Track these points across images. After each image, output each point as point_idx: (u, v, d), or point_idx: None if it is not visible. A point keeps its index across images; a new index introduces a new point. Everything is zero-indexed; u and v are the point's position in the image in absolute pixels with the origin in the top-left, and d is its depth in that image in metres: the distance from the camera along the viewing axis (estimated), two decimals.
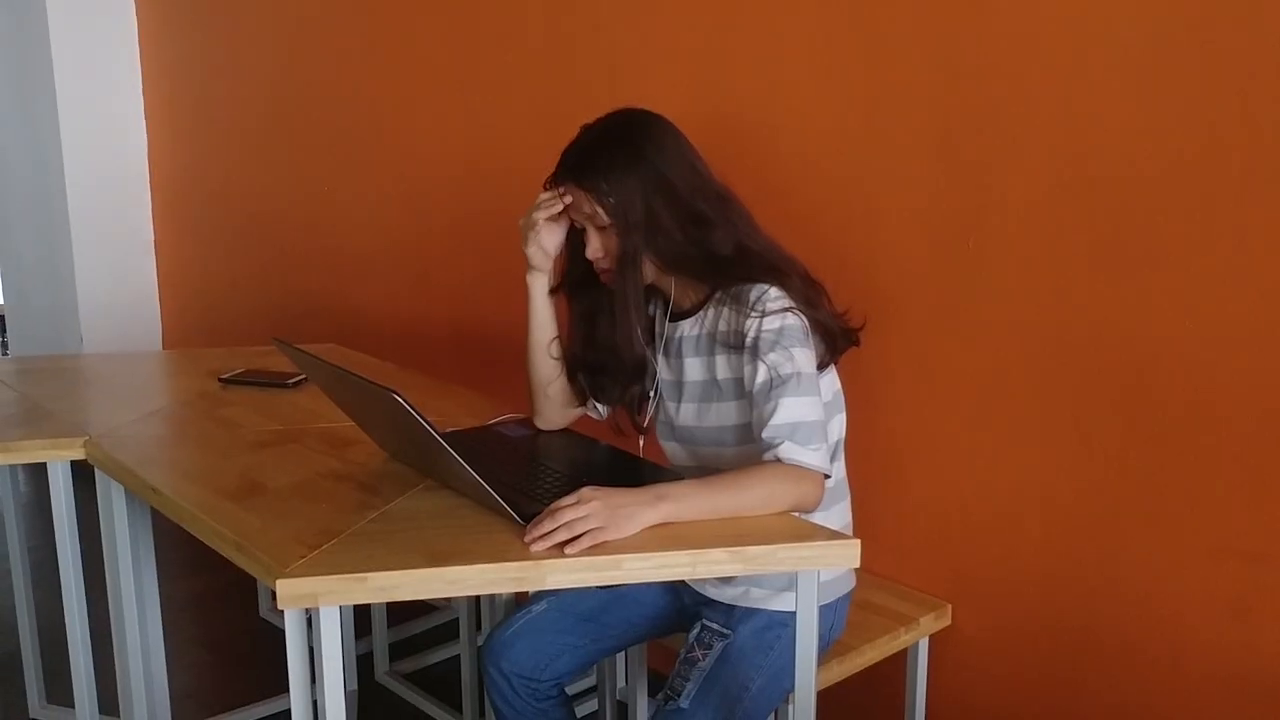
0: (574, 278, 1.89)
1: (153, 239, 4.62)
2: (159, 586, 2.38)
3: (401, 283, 3.40)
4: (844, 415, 1.87)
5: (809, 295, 1.76)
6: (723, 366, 1.78)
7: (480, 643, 2.62)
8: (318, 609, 1.44)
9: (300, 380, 2.42)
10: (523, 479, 1.76)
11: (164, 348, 4.64)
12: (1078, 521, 1.94)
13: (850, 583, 1.92)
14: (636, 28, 2.53)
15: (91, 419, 2.18)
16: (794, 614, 1.58)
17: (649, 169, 1.72)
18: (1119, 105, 1.80)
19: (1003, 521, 2.04)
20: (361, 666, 2.90)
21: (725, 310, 1.76)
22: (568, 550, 1.47)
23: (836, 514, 1.84)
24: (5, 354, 5.31)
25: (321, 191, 3.69)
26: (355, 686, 2.86)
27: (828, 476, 1.66)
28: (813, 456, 1.63)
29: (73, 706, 2.35)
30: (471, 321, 3.13)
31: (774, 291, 1.70)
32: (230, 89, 4.11)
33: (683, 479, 1.66)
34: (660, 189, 1.72)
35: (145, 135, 4.52)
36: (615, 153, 1.74)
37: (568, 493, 1.54)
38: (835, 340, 1.81)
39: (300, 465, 1.88)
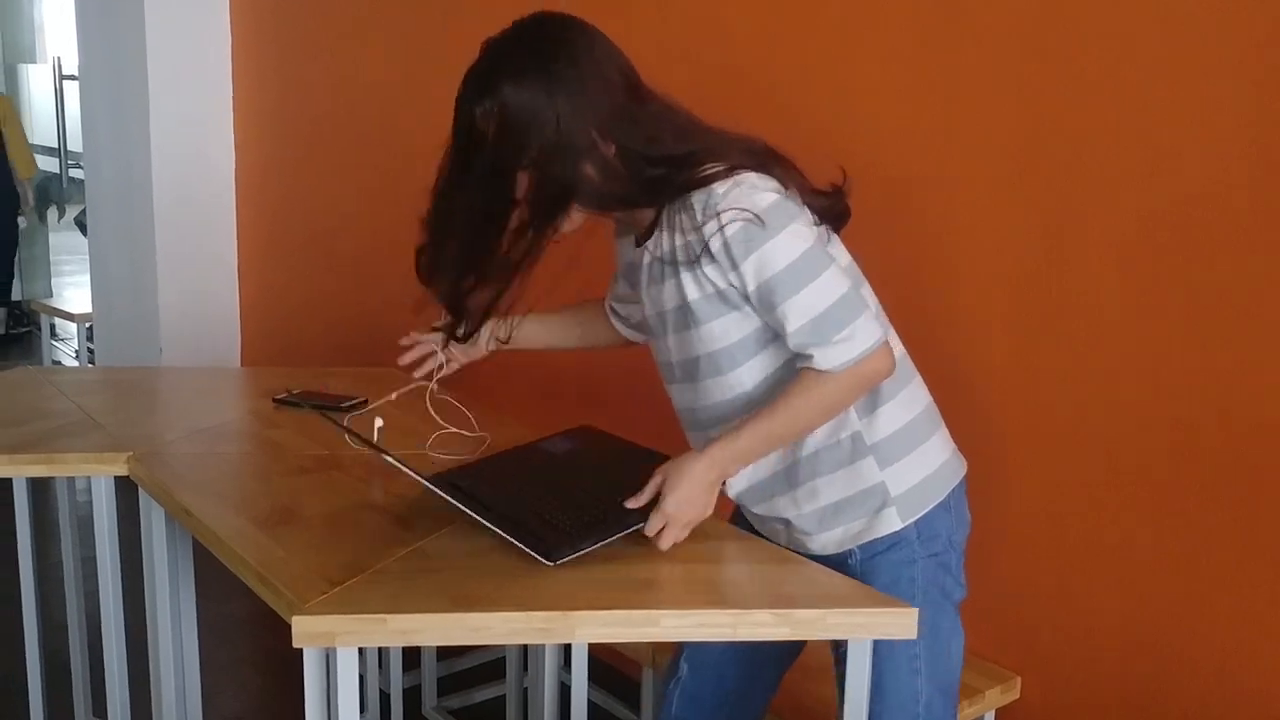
0: None
1: (236, 257, 4.65)
2: (213, 604, 2.34)
3: None
4: (868, 287, 1.65)
5: (769, 173, 1.51)
6: (691, 286, 1.54)
7: (525, 684, 2.55)
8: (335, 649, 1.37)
9: (355, 404, 2.37)
10: (554, 505, 1.60)
11: (243, 365, 4.66)
12: (1158, 590, 1.80)
13: (956, 471, 1.67)
14: (700, 27, 2.45)
15: (140, 434, 2.15)
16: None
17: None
18: (1215, 135, 1.66)
19: (1077, 588, 1.91)
20: (409, 700, 2.84)
21: (678, 224, 1.53)
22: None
23: (905, 401, 1.62)
24: (91, 361, 5.39)
25: (397, 214, 3.67)
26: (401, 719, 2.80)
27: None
28: (847, 349, 1.46)
29: None
30: None
31: (719, 189, 1.47)
32: (315, 111, 4.13)
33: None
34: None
35: (233, 154, 4.57)
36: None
37: (599, 520, 1.51)
38: (821, 220, 1.58)
39: (337, 494, 1.81)
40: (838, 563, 1.61)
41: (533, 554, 1.46)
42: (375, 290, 3.85)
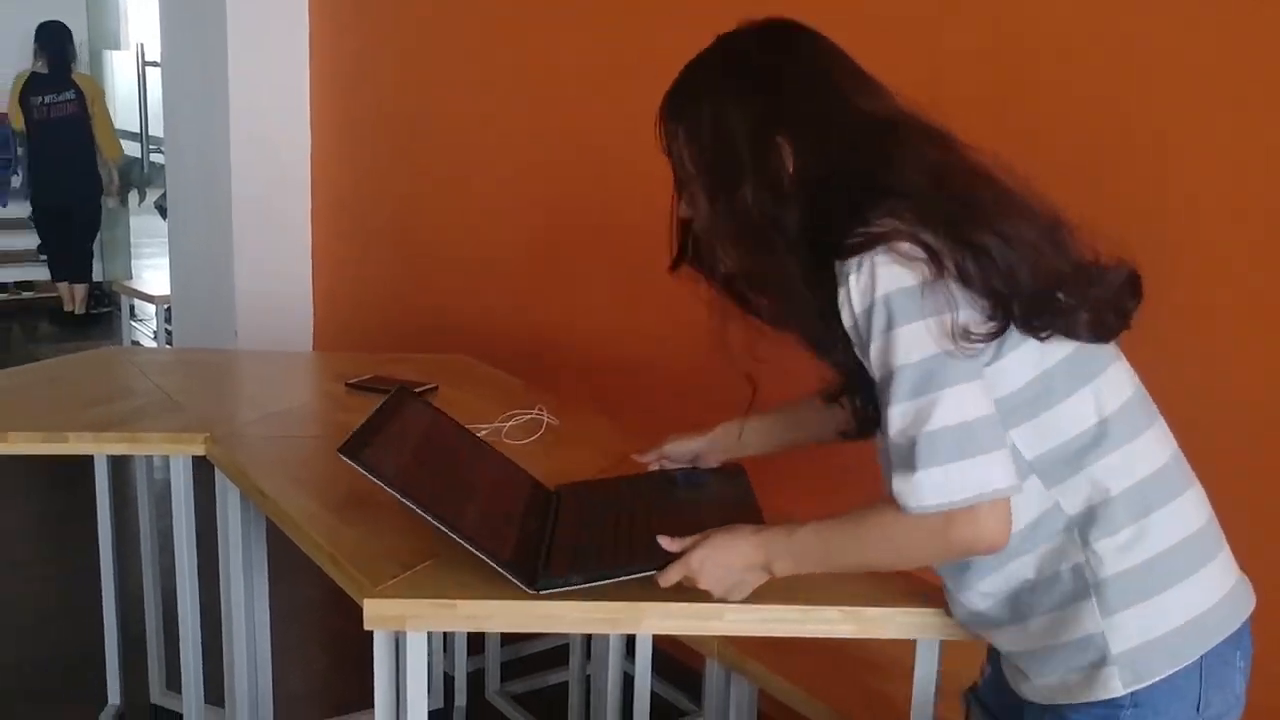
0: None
1: (310, 243, 4.72)
2: (281, 584, 2.39)
3: (541, 294, 3.38)
4: (1088, 394, 1.27)
5: (952, 240, 1.20)
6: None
7: (588, 671, 2.56)
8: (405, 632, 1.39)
9: (427, 390, 2.40)
10: (600, 532, 1.55)
11: (314, 349, 4.73)
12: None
13: (1214, 629, 1.28)
14: None
15: (217, 415, 2.20)
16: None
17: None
18: None
19: None
20: (472, 683, 2.87)
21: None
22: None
23: (1151, 529, 1.25)
24: (169, 342, 5.50)
25: (469, 204, 3.70)
26: (464, 702, 2.83)
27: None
28: (929, 492, 1.17)
29: None
30: (611, 339, 3.08)
31: (853, 263, 1.21)
32: (390, 101, 4.18)
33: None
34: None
35: (309, 142, 4.63)
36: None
37: (620, 555, 1.42)
38: (1022, 309, 1.21)
39: None
40: (1052, 716, 1.31)
41: (515, 581, 1.39)
42: (446, 279, 3.89)
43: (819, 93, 1.31)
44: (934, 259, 1.18)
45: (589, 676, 2.57)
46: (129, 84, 6.92)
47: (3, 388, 2.37)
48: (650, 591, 1.38)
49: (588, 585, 1.38)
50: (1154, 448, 1.29)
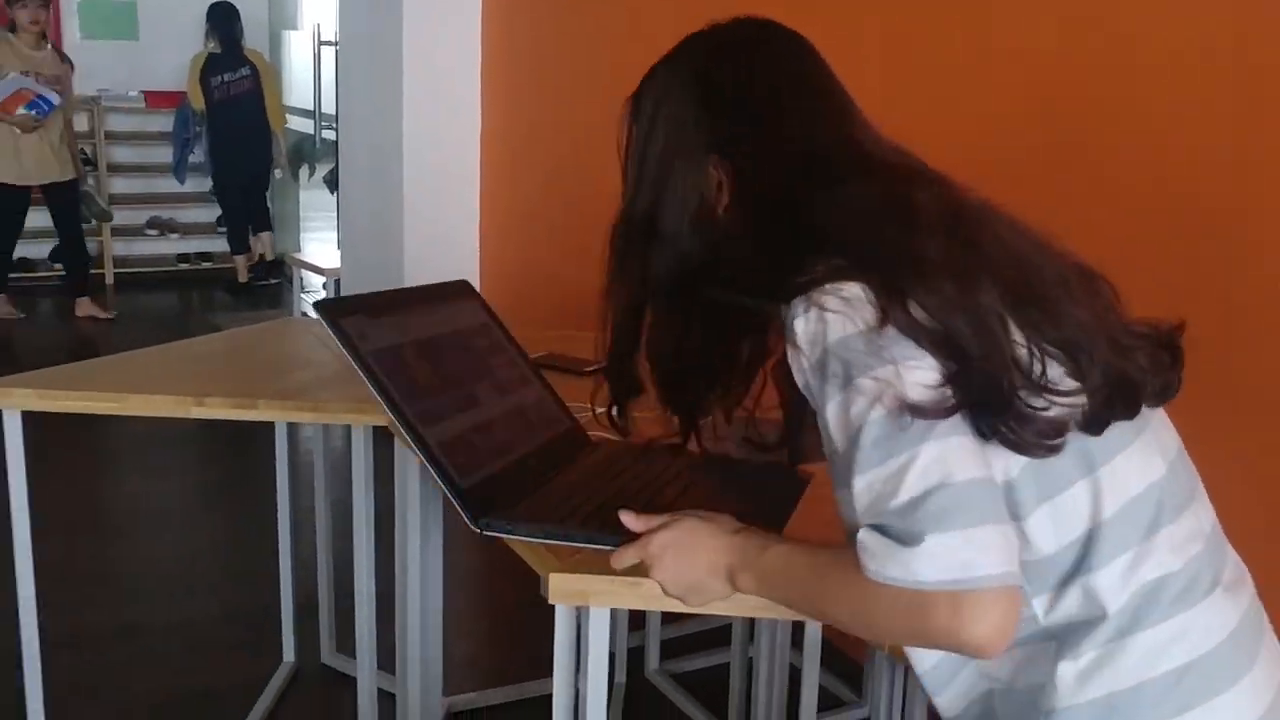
0: None
1: (478, 219, 4.79)
2: (451, 553, 2.42)
3: None
4: (1081, 490, 1.03)
5: (926, 313, 1.00)
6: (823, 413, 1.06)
7: (751, 654, 2.54)
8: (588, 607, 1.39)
9: (598, 369, 2.39)
10: (590, 510, 1.42)
11: None
12: None
13: None
14: None
15: None
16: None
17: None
18: None
19: None
20: (632, 660, 2.88)
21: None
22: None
23: (1132, 651, 1.00)
24: None
25: None
26: (624, 679, 2.84)
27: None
28: (898, 562, 0.93)
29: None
30: None
31: (799, 308, 1.03)
32: (562, 84, 4.20)
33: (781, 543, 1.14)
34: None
35: (480, 120, 4.70)
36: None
37: (586, 520, 1.34)
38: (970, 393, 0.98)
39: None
40: None
41: (461, 511, 1.35)
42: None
43: (772, 116, 1.18)
44: (883, 303, 1.00)
45: (750, 659, 2.55)
46: (305, 62, 7.15)
47: (193, 354, 2.46)
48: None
49: (531, 540, 1.36)
50: (1167, 551, 1.03)
